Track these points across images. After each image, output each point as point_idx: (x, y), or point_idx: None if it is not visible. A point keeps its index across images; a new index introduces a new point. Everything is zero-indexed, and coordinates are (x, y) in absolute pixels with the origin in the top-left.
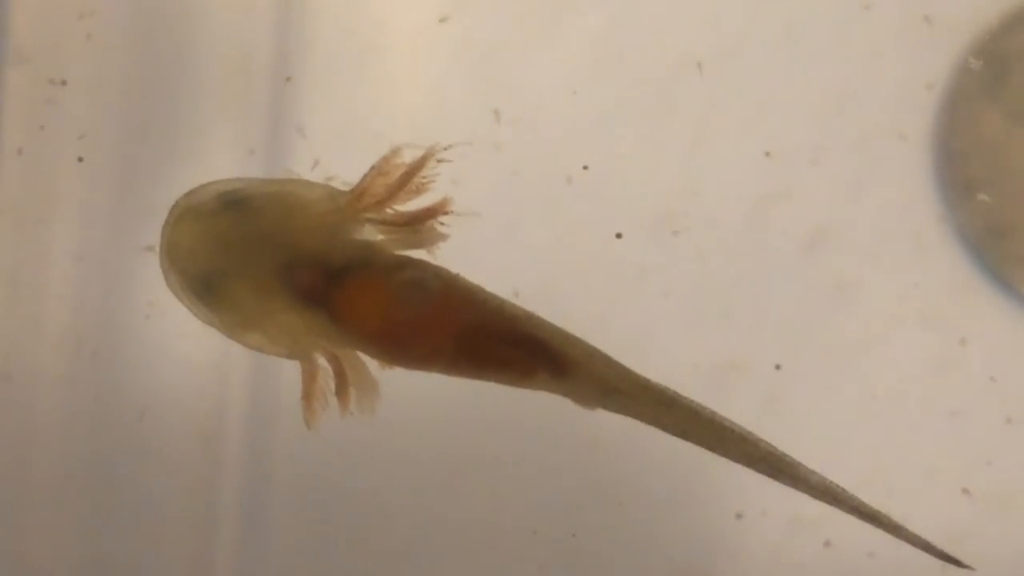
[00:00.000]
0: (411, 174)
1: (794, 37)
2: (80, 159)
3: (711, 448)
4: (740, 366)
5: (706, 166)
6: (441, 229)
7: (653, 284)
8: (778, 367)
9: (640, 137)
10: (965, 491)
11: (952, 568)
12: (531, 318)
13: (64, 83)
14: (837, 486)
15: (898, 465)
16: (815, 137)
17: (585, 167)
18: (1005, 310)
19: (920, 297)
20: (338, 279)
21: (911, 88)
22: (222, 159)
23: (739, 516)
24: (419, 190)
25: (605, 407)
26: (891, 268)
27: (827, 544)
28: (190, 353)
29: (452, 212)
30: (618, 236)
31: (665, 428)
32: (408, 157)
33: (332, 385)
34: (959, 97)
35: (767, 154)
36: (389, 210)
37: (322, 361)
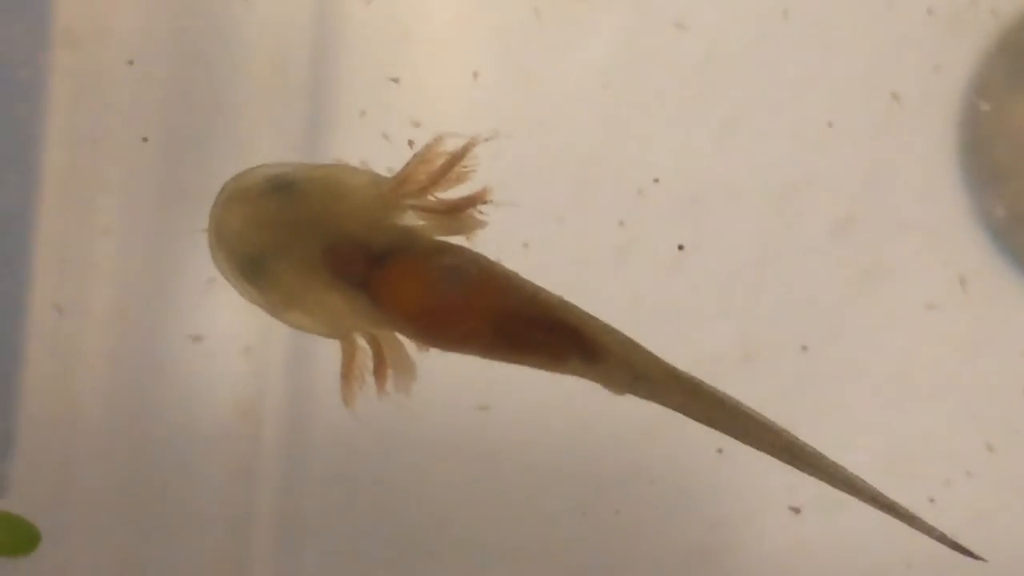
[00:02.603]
0: (452, 163)
1: (820, 25)
2: (145, 139)
3: (735, 436)
4: (767, 347)
5: (734, 153)
6: (480, 217)
7: (682, 266)
8: (804, 348)
9: (668, 127)
10: (993, 477)
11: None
12: (564, 305)
13: (131, 63)
14: (857, 477)
15: (922, 448)
16: (841, 125)
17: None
18: None
19: (945, 284)
20: (379, 262)
21: (937, 76)
22: (271, 145)
23: (765, 494)
24: (460, 179)
25: (634, 393)
26: (916, 255)
27: (849, 527)
28: (230, 335)
29: (491, 201)
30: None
31: (691, 415)
32: (450, 146)
33: (371, 365)
34: (985, 86)
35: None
36: (430, 197)
37: (361, 342)
